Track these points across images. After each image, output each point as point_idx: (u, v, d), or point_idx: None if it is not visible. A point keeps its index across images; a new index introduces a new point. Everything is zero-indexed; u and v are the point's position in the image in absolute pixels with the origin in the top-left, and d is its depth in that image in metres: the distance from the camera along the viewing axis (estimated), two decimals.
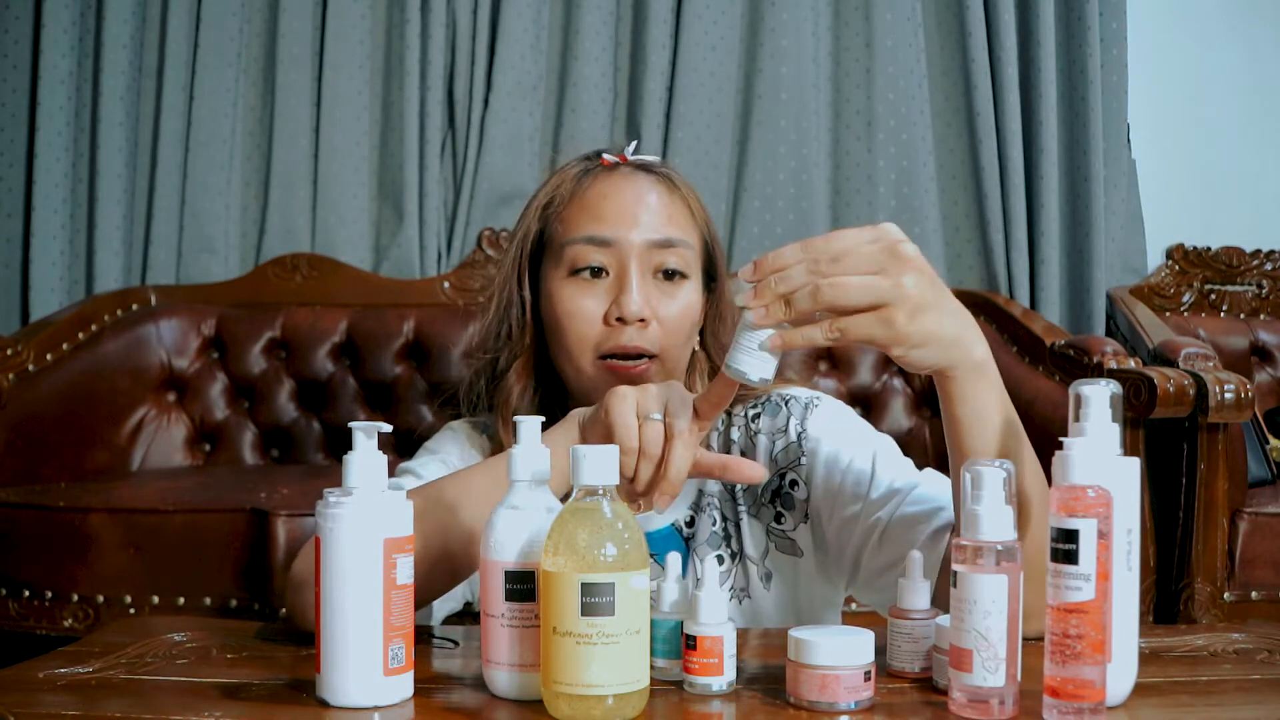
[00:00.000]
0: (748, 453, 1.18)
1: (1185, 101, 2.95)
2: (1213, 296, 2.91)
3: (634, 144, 1.22)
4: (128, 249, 2.64)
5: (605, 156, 1.19)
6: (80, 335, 2.40)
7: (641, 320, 1.10)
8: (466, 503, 0.96)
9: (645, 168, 1.18)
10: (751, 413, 1.19)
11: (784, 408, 1.17)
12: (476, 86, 2.68)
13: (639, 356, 1.10)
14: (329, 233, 2.68)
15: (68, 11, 2.61)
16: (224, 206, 2.67)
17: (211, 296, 2.61)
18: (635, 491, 0.92)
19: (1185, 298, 2.90)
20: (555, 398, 1.20)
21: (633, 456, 0.91)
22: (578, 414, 1.00)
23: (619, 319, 1.10)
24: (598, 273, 1.12)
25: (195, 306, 2.57)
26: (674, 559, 0.89)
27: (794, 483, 1.15)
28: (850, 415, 1.18)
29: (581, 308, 1.12)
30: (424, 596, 0.98)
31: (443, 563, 0.97)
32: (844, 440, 1.13)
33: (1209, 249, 2.92)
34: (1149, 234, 2.89)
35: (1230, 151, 2.96)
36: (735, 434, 1.19)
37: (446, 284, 2.65)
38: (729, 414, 1.19)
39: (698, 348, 1.19)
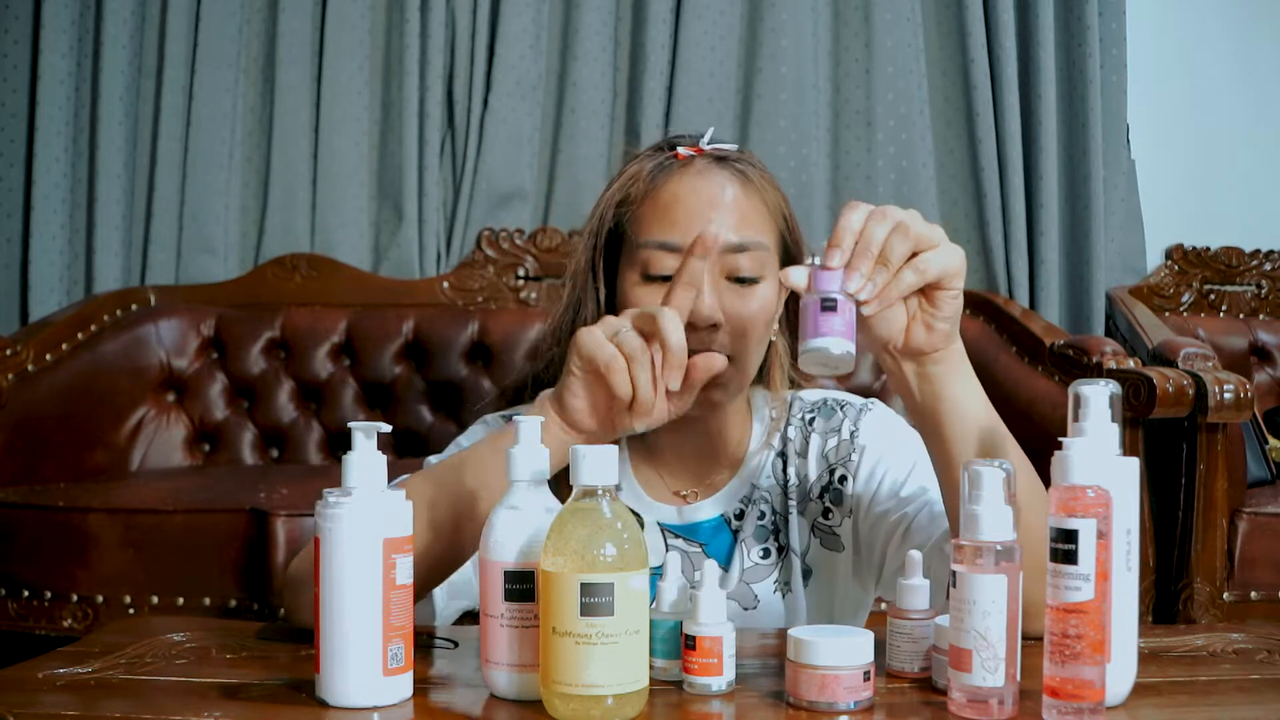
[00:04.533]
0: (802, 452, 1.20)
1: (1185, 102, 2.95)
2: (1212, 296, 2.91)
3: (709, 131, 1.17)
4: (127, 249, 2.64)
5: (680, 150, 1.15)
6: (80, 335, 2.40)
7: (713, 326, 1.09)
8: (472, 471, 0.96)
9: (721, 159, 1.14)
10: (808, 415, 1.21)
11: (839, 411, 1.21)
12: (476, 86, 2.68)
13: None
14: (328, 233, 2.68)
15: (67, 11, 2.60)
16: (223, 207, 2.67)
17: (211, 297, 2.61)
18: (643, 403, 0.91)
19: (1185, 298, 2.90)
20: None
21: (623, 373, 0.90)
22: (545, 394, 0.99)
23: (689, 324, 1.06)
24: (670, 278, 1.09)
25: (195, 307, 2.57)
26: (673, 559, 0.89)
27: (843, 478, 1.18)
28: (901, 424, 1.20)
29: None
30: (431, 573, 0.98)
31: (449, 529, 0.96)
32: (890, 444, 1.17)
33: (1208, 249, 2.93)
34: (1148, 234, 2.89)
35: (1230, 151, 2.96)
36: (792, 432, 1.21)
37: (446, 284, 2.65)
38: (787, 411, 1.22)
39: (775, 336, 1.19)
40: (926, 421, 0.96)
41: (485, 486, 0.95)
